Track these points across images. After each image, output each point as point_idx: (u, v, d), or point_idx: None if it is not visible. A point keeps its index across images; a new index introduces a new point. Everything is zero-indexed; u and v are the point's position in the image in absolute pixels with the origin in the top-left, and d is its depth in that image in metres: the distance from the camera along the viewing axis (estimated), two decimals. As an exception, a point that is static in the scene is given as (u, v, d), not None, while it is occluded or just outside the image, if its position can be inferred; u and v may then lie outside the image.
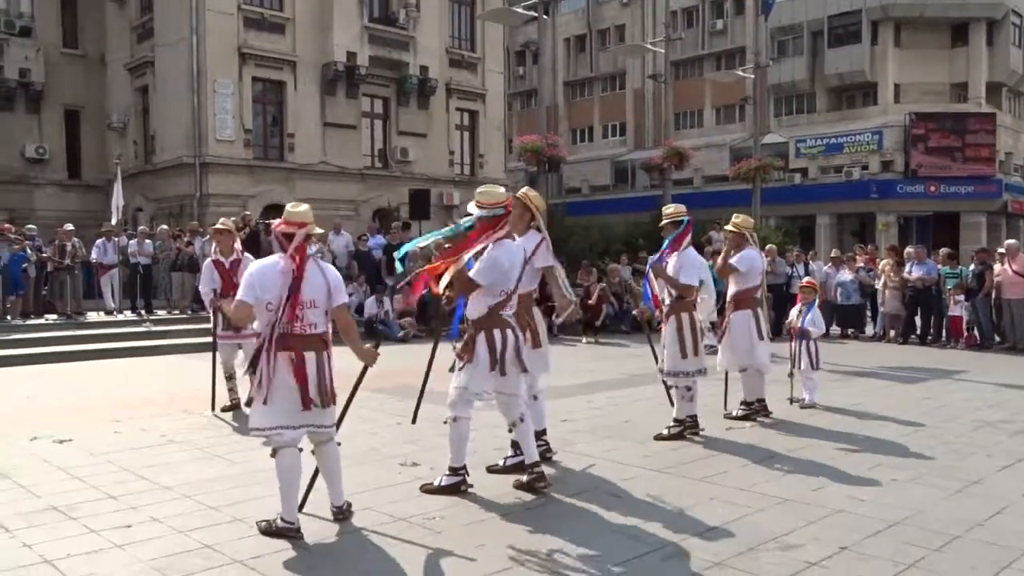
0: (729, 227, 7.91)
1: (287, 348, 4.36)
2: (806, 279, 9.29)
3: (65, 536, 4.43)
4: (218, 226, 8.39)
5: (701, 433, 6.87)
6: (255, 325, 4.53)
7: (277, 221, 4.59)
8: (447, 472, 5.20)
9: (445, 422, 5.16)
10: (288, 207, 4.61)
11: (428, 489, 5.20)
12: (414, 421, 5.67)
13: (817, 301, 8.71)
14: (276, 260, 4.45)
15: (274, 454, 4.42)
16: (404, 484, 5.37)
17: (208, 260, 8.31)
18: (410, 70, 23.94)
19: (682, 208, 7.06)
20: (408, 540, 4.38)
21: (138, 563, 4.05)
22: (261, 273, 4.43)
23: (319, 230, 4.64)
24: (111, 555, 4.17)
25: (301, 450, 4.47)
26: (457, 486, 5.15)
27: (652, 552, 4.19)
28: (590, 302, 15.15)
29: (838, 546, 4.25)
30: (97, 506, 4.96)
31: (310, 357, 4.39)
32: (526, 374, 5.29)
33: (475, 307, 5.09)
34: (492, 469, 5.72)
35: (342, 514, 4.66)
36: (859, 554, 4.16)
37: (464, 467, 5.20)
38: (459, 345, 5.13)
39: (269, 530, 4.42)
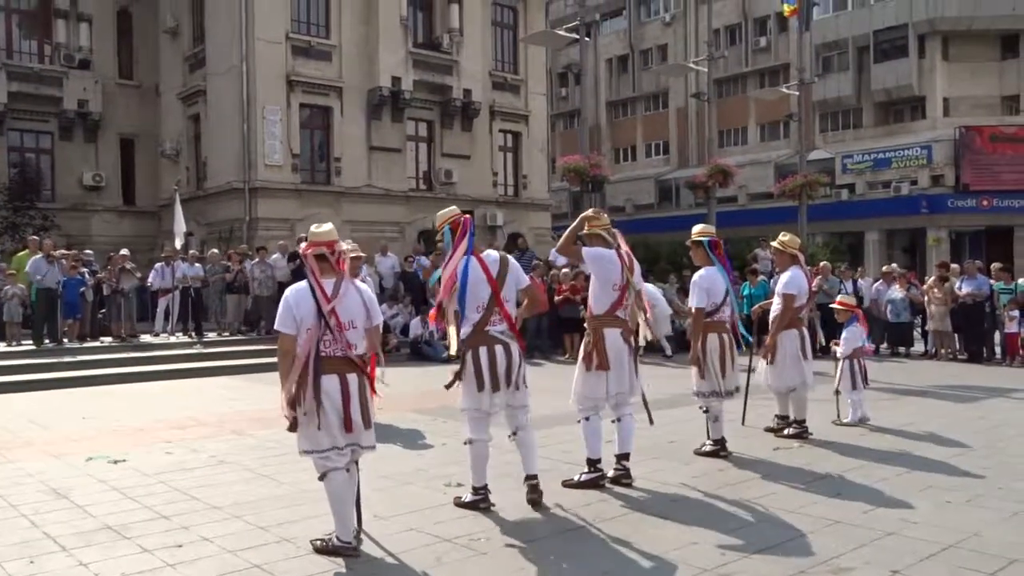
0: (775, 244, 7.83)
1: (332, 371, 4.38)
2: (839, 298, 9.17)
3: (119, 555, 4.53)
4: (354, 254, 8.77)
5: (748, 454, 6.81)
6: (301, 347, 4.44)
7: (303, 245, 4.60)
8: (471, 491, 5.32)
9: (466, 443, 5.28)
10: (312, 228, 4.60)
11: (457, 503, 5.34)
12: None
13: (857, 319, 8.55)
14: (308, 285, 4.43)
15: (322, 477, 4.47)
16: (449, 505, 5.39)
17: None
18: (454, 93, 24.21)
19: (701, 228, 7.08)
20: (452, 561, 4.40)
21: (190, 582, 4.13)
22: (297, 299, 4.41)
23: (345, 245, 4.64)
24: (164, 574, 4.25)
25: (348, 470, 4.52)
26: (476, 503, 5.25)
27: (699, 574, 4.15)
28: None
29: (889, 570, 4.17)
30: (150, 526, 5.07)
31: (352, 379, 4.43)
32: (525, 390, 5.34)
33: (462, 327, 5.18)
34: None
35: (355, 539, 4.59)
36: (912, 578, 4.08)
37: (485, 486, 5.28)
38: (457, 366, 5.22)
39: (325, 549, 4.47)
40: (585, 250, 5.84)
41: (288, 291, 4.54)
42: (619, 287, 5.79)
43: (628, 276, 5.81)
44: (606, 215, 6.15)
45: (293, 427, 4.41)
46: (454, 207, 5.54)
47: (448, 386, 5.23)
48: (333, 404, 4.37)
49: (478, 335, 5.15)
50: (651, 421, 6.23)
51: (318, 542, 4.55)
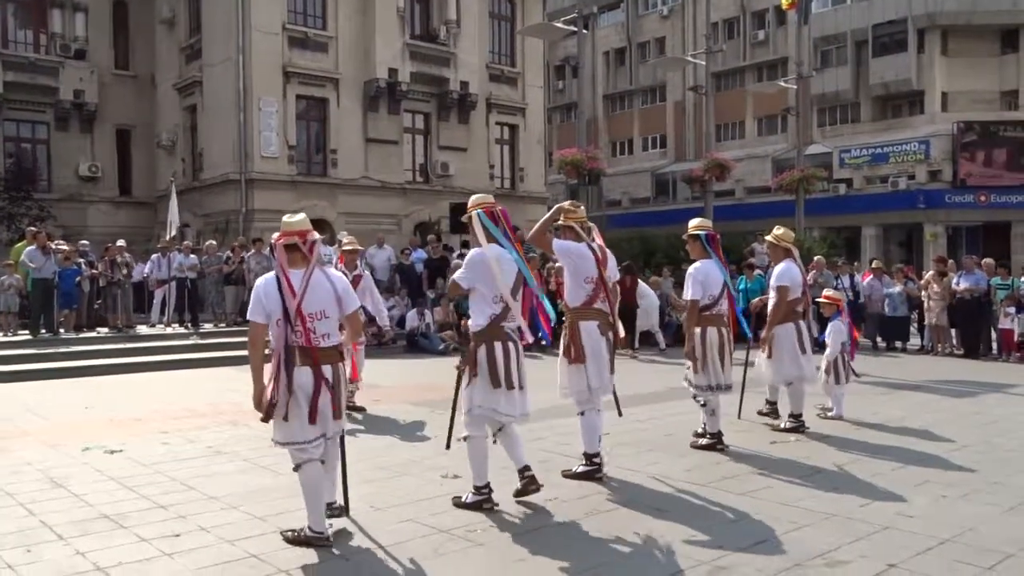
0: (769, 238, 7.83)
1: (304, 362, 4.34)
2: (824, 292, 9.16)
3: (117, 544, 4.53)
4: (348, 247, 8.65)
5: (745, 448, 6.82)
6: (272, 341, 4.43)
7: (276, 235, 4.54)
8: (471, 491, 5.15)
9: (460, 440, 5.13)
10: (284, 218, 4.54)
11: (457, 504, 5.17)
12: (448, 447, 5.41)
13: (840, 314, 8.54)
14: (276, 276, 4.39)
15: (297, 468, 4.46)
16: (445, 496, 5.38)
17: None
18: (451, 85, 24.16)
19: (698, 221, 7.05)
20: (450, 552, 4.40)
21: (187, 572, 4.13)
22: (267, 290, 4.37)
23: (318, 235, 4.57)
24: (161, 564, 4.25)
25: (323, 461, 4.51)
26: (480, 504, 5.08)
27: (695, 567, 4.16)
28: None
29: (886, 563, 4.18)
30: (147, 515, 5.07)
31: (326, 370, 4.39)
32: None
33: (475, 319, 5.05)
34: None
35: (330, 511, 4.65)
36: (908, 571, 4.08)
37: (487, 485, 5.10)
38: (460, 361, 5.09)
39: (297, 539, 4.47)
40: (556, 242, 5.78)
41: (258, 281, 4.49)
42: (591, 280, 5.72)
43: (601, 271, 5.75)
44: (583, 209, 6.06)
45: (267, 417, 4.38)
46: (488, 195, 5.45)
47: (464, 374, 5.05)
48: (306, 396, 4.35)
49: (495, 329, 5.01)
50: (620, 413, 6.30)
51: (290, 533, 4.55)
